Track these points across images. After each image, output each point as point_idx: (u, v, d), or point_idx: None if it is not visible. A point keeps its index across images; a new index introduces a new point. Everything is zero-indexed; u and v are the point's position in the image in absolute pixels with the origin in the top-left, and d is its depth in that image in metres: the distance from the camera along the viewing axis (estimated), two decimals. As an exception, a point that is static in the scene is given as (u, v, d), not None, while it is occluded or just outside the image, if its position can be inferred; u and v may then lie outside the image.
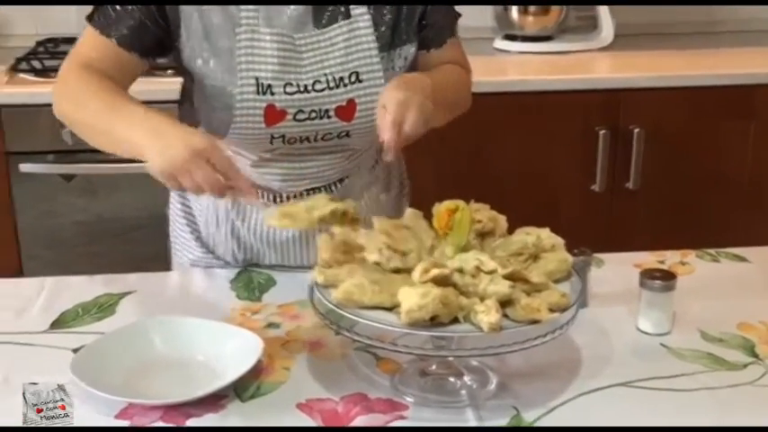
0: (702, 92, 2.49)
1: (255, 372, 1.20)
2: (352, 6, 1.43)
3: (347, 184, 1.54)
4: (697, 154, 2.53)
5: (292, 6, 1.42)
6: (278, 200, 1.52)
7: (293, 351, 1.28)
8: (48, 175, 2.32)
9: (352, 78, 1.42)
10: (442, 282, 1.08)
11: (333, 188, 1.52)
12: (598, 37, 2.78)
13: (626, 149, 2.49)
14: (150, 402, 1.14)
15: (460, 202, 1.18)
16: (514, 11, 2.77)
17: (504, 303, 1.08)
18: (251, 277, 1.51)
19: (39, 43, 2.61)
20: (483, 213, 1.24)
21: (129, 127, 1.28)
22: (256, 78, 1.39)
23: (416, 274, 1.09)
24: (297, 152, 1.47)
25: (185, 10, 1.40)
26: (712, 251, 1.60)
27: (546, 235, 1.21)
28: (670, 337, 1.31)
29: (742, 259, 1.58)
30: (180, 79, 1.54)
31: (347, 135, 1.46)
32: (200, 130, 1.25)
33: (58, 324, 1.36)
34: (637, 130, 2.46)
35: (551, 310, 1.10)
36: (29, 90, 2.26)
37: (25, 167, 2.31)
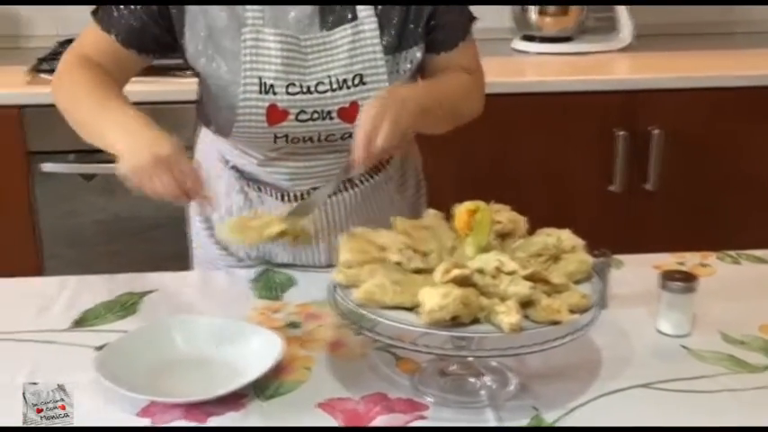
0: (722, 93, 2.47)
1: (276, 371, 1.20)
2: (359, 8, 1.43)
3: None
4: (716, 155, 2.52)
5: (299, 7, 1.42)
6: (285, 198, 1.53)
7: (313, 350, 1.28)
8: (68, 174, 2.34)
9: (356, 81, 1.43)
10: (462, 282, 1.08)
11: (342, 186, 1.53)
12: (617, 38, 2.77)
13: (644, 150, 2.48)
14: (172, 400, 1.15)
15: (481, 203, 1.19)
16: (533, 11, 2.76)
17: (525, 304, 1.08)
18: (271, 277, 1.52)
19: (59, 44, 2.63)
20: (503, 214, 1.24)
21: (107, 125, 1.32)
22: (260, 78, 1.40)
23: (437, 275, 1.09)
24: (302, 151, 1.48)
25: (191, 10, 1.42)
26: (733, 253, 1.59)
27: (566, 236, 1.21)
28: (690, 338, 1.31)
29: (763, 261, 1.57)
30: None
31: (350, 136, 1.46)
32: (170, 136, 1.27)
33: (81, 322, 1.37)
34: (656, 131, 2.45)
35: (572, 312, 1.10)
36: (50, 90, 2.27)
37: (46, 167, 2.33)
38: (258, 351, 1.22)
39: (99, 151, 1.35)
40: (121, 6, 1.42)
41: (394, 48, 1.45)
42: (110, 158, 1.36)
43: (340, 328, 1.32)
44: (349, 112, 1.43)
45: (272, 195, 1.55)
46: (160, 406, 1.14)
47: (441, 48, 1.51)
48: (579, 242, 1.21)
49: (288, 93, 1.41)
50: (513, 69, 2.64)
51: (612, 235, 2.46)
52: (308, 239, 1.31)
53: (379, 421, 1.12)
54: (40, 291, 1.47)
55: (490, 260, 1.12)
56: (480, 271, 1.11)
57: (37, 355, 1.27)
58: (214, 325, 1.28)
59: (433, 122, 1.48)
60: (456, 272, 1.08)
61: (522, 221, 1.25)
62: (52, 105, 1.46)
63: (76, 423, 1.11)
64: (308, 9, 1.43)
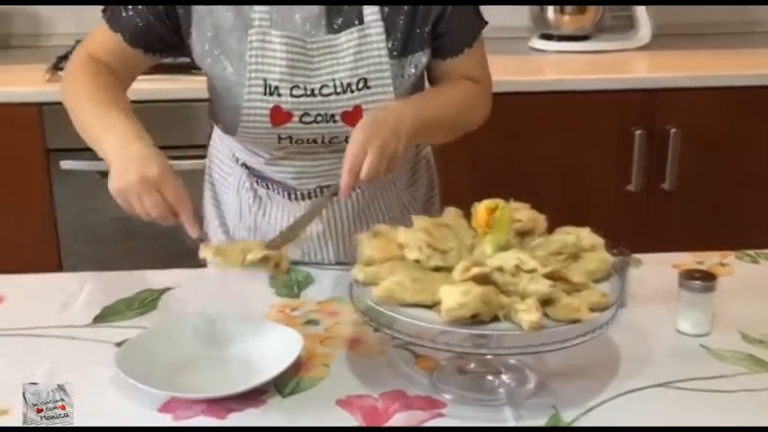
0: (740, 92, 2.47)
1: (295, 368, 1.21)
2: (366, 12, 1.43)
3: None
4: (734, 154, 2.51)
5: (306, 10, 1.42)
6: (292, 196, 1.55)
7: (332, 348, 1.29)
8: (87, 172, 2.35)
9: (360, 85, 1.43)
10: (482, 280, 1.08)
11: None
12: (635, 36, 2.76)
13: (662, 150, 2.47)
14: (193, 396, 1.15)
15: (500, 201, 1.19)
16: (551, 10, 2.76)
17: (545, 302, 1.08)
18: (290, 274, 1.52)
19: (78, 42, 2.64)
20: (522, 212, 1.24)
21: (103, 135, 1.33)
22: (264, 79, 1.41)
23: (457, 273, 1.10)
24: (309, 151, 1.49)
25: (198, 10, 1.42)
26: (752, 252, 1.59)
27: (586, 234, 1.21)
28: (710, 338, 1.30)
29: (782, 261, 1.57)
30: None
31: None
32: (160, 156, 1.28)
33: (101, 318, 1.38)
34: (673, 131, 2.45)
35: (591, 310, 1.10)
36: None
37: (65, 164, 2.35)
38: (277, 348, 1.23)
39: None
40: (129, 6, 1.44)
41: (399, 52, 1.45)
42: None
43: (358, 326, 1.32)
44: (352, 116, 1.44)
45: (279, 193, 1.56)
46: (181, 402, 1.15)
47: (447, 54, 1.50)
48: (599, 241, 1.21)
49: (292, 95, 1.42)
50: (530, 68, 2.63)
51: (630, 234, 2.44)
52: (286, 268, 1.32)
53: (397, 418, 1.13)
54: (60, 287, 1.48)
55: (509, 258, 1.12)
56: (500, 269, 1.11)
57: (58, 351, 1.28)
58: (234, 322, 1.29)
59: (431, 137, 1.51)
60: (476, 270, 1.08)
61: (541, 220, 1.25)
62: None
63: (96, 419, 1.12)
64: (315, 12, 1.43)
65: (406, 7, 1.44)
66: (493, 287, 1.09)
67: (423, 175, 1.69)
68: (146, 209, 1.25)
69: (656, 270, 1.49)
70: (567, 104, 2.44)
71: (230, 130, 1.50)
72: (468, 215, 1.25)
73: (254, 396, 1.16)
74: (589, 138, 2.47)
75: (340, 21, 1.43)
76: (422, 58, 1.47)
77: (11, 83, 2.51)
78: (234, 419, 1.12)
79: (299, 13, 1.43)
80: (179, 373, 1.20)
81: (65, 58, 2.48)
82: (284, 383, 1.19)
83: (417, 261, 1.16)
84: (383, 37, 1.43)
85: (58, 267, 2.39)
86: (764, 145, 2.52)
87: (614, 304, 1.13)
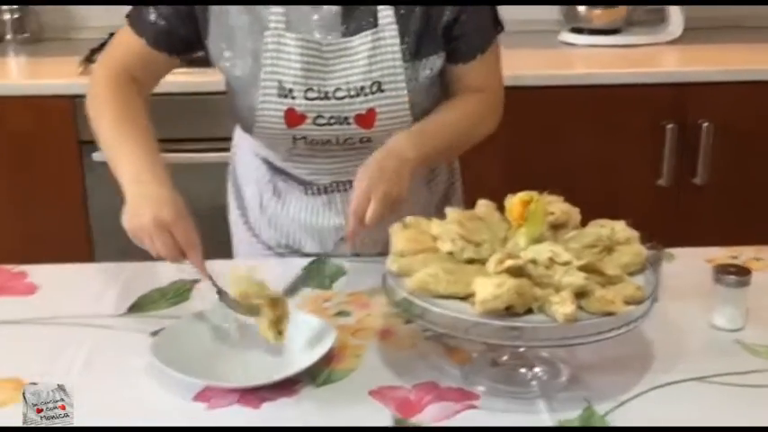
0: (773, 86, 2.44)
1: (327, 359, 1.21)
2: (380, 15, 1.43)
3: None
4: (767, 148, 2.49)
5: (321, 12, 1.43)
6: (309, 191, 1.57)
7: (363, 339, 1.29)
8: (119, 163, 2.37)
9: (374, 88, 1.43)
10: (516, 272, 1.08)
11: None
12: (666, 30, 2.74)
13: (693, 144, 2.45)
14: (228, 385, 1.16)
15: (534, 194, 1.19)
16: (581, 4, 2.74)
17: (579, 295, 1.08)
18: (322, 266, 1.53)
19: (111, 35, 2.66)
20: (556, 206, 1.24)
21: (121, 164, 1.36)
22: (279, 81, 1.42)
23: (491, 265, 1.10)
24: (323, 149, 1.50)
25: (214, 11, 1.43)
26: (787, 247, 1.57)
27: (620, 228, 1.21)
28: (744, 332, 1.30)
29: (817, 256, 1.55)
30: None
31: (369, 140, 1.47)
32: (176, 197, 1.30)
33: (136, 308, 1.39)
34: (706, 125, 2.43)
35: (626, 303, 1.10)
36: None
37: (98, 156, 2.35)
38: (310, 338, 1.24)
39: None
40: (151, 9, 1.45)
41: (413, 55, 1.45)
42: (162, 149, 1.40)
43: (389, 318, 1.33)
44: (366, 119, 1.44)
45: (296, 187, 1.58)
46: (216, 390, 1.16)
47: (459, 59, 1.50)
48: (633, 234, 1.21)
49: (306, 98, 1.43)
50: (561, 62, 2.62)
51: (661, 229, 2.43)
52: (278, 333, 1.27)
53: (430, 410, 1.13)
54: (95, 276, 1.50)
55: (543, 251, 1.12)
56: (533, 261, 1.11)
57: (93, 340, 1.30)
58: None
59: (438, 161, 1.55)
60: (510, 262, 1.08)
61: (574, 213, 1.25)
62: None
63: (129, 409, 1.14)
64: (330, 14, 1.43)
65: (419, 10, 1.44)
66: (527, 279, 1.09)
67: (442, 168, 1.68)
68: (156, 248, 1.28)
69: (690, 264, 1.48)
70: (597, 98, 2.43)
71: (247, 129, 1.51)
72: (499, 208, 1.25)
73: (287, 386, 1.16)
74: (619, 132, 2.45)
75: (354, 24, 1.44)
76: (436, 61, 1.47)
77: (44, 75, 2.54)
78: (267, 408, 1.13)
79: (316, 15, 1.43)
80: (213, 363, 1.21)
81: (97, 50, 2.50)
82: (316, 374, 1.19)
83: (450, 253, 1.16)
84: (397, 40, 1.43)
85: (90, 258, 2.41)
86: (798, 139, 2.49)
87: (649, 297, 1.13)
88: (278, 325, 1.23)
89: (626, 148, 2.47)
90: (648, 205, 2.49)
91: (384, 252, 1.23)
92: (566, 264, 1.09)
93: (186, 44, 1.48)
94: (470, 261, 1.16)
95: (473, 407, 1.14)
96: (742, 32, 2.81)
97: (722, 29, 2.84)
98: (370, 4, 1.43)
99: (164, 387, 1.17)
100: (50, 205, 2.45)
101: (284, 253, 1.63)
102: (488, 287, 1.06)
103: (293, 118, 1.44)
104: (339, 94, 1.43)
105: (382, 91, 1.43)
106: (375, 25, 1.43)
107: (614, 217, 1.25)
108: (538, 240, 1.16)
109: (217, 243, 1.83)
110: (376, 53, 1.43)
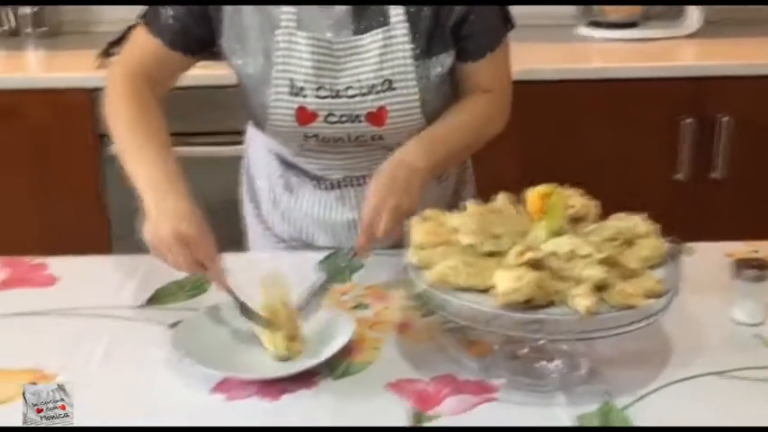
0: (791, 80, 2.43)
1: (345, 351, 1.21)
2: (391, 13, 1.43)
3: None
4: (786, 144, 2.48)
5: (332, 11, 1.43)
6: (321, 186, 1.57)
7: (381, 332, 1.29)
8: (136, 156, 2.38)
9: (385, 86, 1.43)
10: (536, 265, 1.08)
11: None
12: (683, 24, 2.72)
13: (711, 138, 2.44)
14: (248, 377, 1.17)
15: (554, 187, 1.18)
16: (598, -3, 2.73)
17: (599, 288, 1.08)
18: (337, 259, 1.53)
19: (129, 28, 2.67)
20: (575, 199, 1.23)
21: (139, 173, 1.35)
22: (290, 80, 1.42)
23: (511, 257, 1.10)
24: (334, 146, 1.50)
25: (227, 9, 1.44)
26: (807, 241, 1.56)
27: (640, 221, 1.20)
28: (764, 327, 1.29)
29: (837, 250, 1.54)
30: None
31: (380, 138, 1.47)
32: (195, 211, 1.30)
33: (155, 300, 1.40)
34: (724, 119, 2.42)
35: (646, 296, 1.09)
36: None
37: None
38: (328, 331, 1.24)
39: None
40: (166, 9, 1.45)
41: (424, 53, 1.44)
42: (173, 142, 1.41)
43: (407, 311, 1.33)
44: (377, 117, 1.44)
45: (308, 182, 1.58)
46: (234, 382, 1.16)
47: (469, 57, 1.49)
48: (653, 227, 1.20)
49: (317, 96, 1.43)
50: (577, 56, 2.61)
51: (679, 223, 2.42)
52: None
53: (448, 402, 1.13)
54: (114, 269, 1.51)
55: (563, 244, 1.12)
56: (554, 254, 1.11)
57: (113, 332, 1.31)
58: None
59: (448, 166, 1.55)
60: (530, 254, 1.08)
61: (594, 206, 1.25)
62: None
63: (152, 402, 1.14)
64: (341, 13, 1.43)
65: (429, 9, 1.43)
66: (547, 272, 1.09)
67: (452, 171, 1.68)
68: (177, 262, 1.27)
69: (709, 258, 1.47)
70: (614, 92, 2.42)
71: (259, 126, 1.52)
72: (520, 201, 1.25)
73: (306, 378, 1.17)
74: (637, 126, 2.44)
75: (365, 22, 1.44)
76: (446, 59, 1.47)
77: (62, 68, 2.55)
78: (287, 400, 1.14)
79: (327, 13, 1.43)
80: (232, 355, 1.21)
81: (115, 43, 2.51)
82: (335, 366, 1.20)
83: (470, 246, 1.16)
84: (408, 38, 1.43)
85: (108, 250, 2.42)
86: (817, 133, 2.47)
87: (669, 291, 1.13)
88: (288, 342, 1.22)
89: (643, 143, 2.46)
90: (666, 200, 2.47)
91: (397, 244, 1.23)
92: (586, 257, 1.09)
93: (201, 44, 1.48)
94: (490, 254, 1.16)
95: (492, 399, 1.14)
96: (760, 26, 2.79)
97: (740, 22, 2.82)
98: (380, 3, 1.43)
99: (183, 379, 1.18)
100: (68, 198, 2.46)
101: (297, 246, 1.63)
102: (508, 280, 1.06)
103: (304, 116, 1.45)
104: (350, 92, 1.43)
105: (393, 89, 1.43)
106: (386, 24, 1.43)
107: (632, 211, 1.25)
108: (557, 233, 1.16)
109: (230, 237, 1.84)
110: (387, 51, 1.43)
